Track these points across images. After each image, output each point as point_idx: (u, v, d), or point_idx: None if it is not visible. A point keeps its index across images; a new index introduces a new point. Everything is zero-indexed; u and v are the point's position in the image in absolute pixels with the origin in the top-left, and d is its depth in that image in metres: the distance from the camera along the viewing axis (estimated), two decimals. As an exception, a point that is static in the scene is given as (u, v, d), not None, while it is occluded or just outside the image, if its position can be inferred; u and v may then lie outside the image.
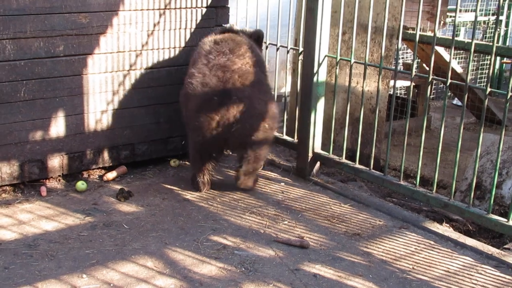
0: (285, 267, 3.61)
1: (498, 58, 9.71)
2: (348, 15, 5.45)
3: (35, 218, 4.10)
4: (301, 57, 5.11)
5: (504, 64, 10.30)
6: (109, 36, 4.69)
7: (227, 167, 5.20)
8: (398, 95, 8.67)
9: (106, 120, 4.83)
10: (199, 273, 3.50)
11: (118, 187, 4.61)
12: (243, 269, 3.56)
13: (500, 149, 3.97)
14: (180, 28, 5.04)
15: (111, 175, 4.81)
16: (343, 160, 4.96)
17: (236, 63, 4.44)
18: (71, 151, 4.71)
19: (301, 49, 5.19)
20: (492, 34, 9.40)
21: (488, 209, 4.07)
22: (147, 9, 4.82)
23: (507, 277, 3.64)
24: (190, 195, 4.59)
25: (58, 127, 4.60)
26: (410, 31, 6.82)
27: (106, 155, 4.89)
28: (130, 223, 4.09)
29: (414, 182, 4.52)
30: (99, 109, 4.77)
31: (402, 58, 9.44)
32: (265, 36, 5.36)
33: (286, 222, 4.21)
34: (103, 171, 4.90)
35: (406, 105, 4.53)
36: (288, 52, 5.43)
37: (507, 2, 9.91)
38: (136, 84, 4.91)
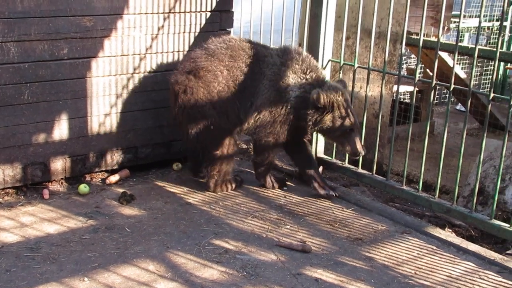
0: (287, 272, 3.60)
1: (502, 63, 9.71)
2: (352, 20, 5.45)
3: (37, 221, 4.11)
4: (304, 61, 5.10)
5: (507, 70, 10.29)
6: (113, 39, 4.70)
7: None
8: (402, 100, 8.66)
9: (109, 123, 4.83)
10: (200, 277, 3.50)
11: (121, 190, 4.61)
12: (245, 273, 3.56)
13: (503, 154, 3.98)
14: (184, 32, 5.05)
15: (114, 178, 4.81)
16: (346, 164, 4.96)
17: (202, 62, 4.50)
18: (74, 154, 4.72)
19: (304, 53, 5.19)
20: (496, 40, 9.40)
21: (491, 214, 4.06)
22: (152, 13, 4.84)
23: (510, 282, 3.63)
24: (192, 199, 4.59)
25: (61, 130, 4.61)
26: (414, 36, 6.82)
27: (109, 158, 4.89)
28: (132, 226, 4.09)
29: (417, 187, 4.52)
30: (103, 112, 4.78)
31: (406, 63, 9.44)
32: (269, 41, 5.37)
33: (288, 227, 4.21)
34: (105, 174, 4.91)
35: (409, 110, 4.53)
36: (291, 56, 5.43)
37: (511, 8, 9.91)
38: (139, 87, 4.92)
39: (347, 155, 4.93)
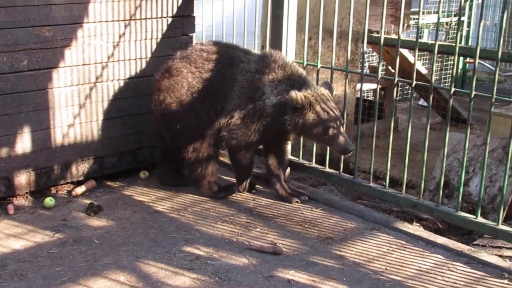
0: (259, 275, 3.60)
1: (461, 58, 9.87)
2: (313, 21, 5.48)
3: (2, 237, 4.02)
4: (267, 63, 5.10)
5: (467, 64, 10.48)
6: (74, 49, 4.64)
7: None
8: (365, 98, 8.73)
9: (73, 134, 4.77)
10: (172, 285, 3.47)
11: (88, 201, 4.55)
12: (217, 278, 3.55)
13: (466, 147, 4.04)
14: (146, 39, 5.01)
15: (80, 189, 4.75)
16: (313, 164, 4.98)
17: (176, 62, 4.59)
18: (38, 167, 4.64)
19: (267, 55, 5.20)
20: (454, 35, 9.56)
21: (457, 206, 4.12)
22: (112, 21, 4.79)
23: (478, 273, 3.69)
24: (161, 207, 4.55)
25: (24, 143, 4.53)
26: (375, 35, 6.87)
27: (74, 169, 4.83)
28: (101, 237, 4.04)
29: (384, 183, 4.56)
30: (66, 123, 4.72)
31: (368, 61, 9.53)
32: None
33: (258, 229, 4.21)
34: (71, 186, 4.84)
35: (373, 108, 4.58)
36: (254, 59, 5.43)
37: (468, 3, 10.10)
38: (103, 96, 4.86)
39: (314, 155, 4.95)
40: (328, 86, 4.49)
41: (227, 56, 4.56)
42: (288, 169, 5.07)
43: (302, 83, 4.39)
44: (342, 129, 4.33)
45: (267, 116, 4.40)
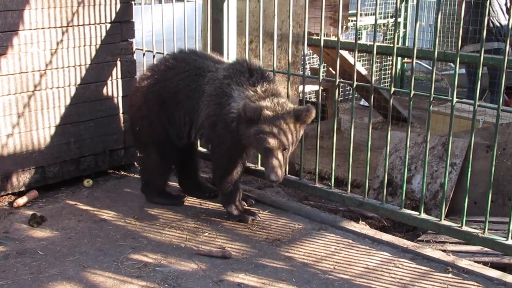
0: (209, 280, 3.59)
1: (399, 58, 10.13)
2: (253, 24, 5.51)
3: None
4: (210, 67, 5.10)
5: (405, 64, 10.77)
6: (10, 57, 4.51)
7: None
8: (308, 99, 8.84)
9: (12, 144, 4.64)
10: (121, 294, 3.42)
11: (30, 212, 4.43)
12: (166, 285, 3.51)
13: (408, 145, 4.13)
14: (85, 45, 4.92)
15: (22, 200, 4.62)
16: (259, 167, 5.00)
17: (146, 69, 4.75)
18: (-24, 179, 4.49)
19: (209, 59, 5.19)
20: (392, 36, 9.79)
21: (401, 204, 4.22)
22: (49, 28, 4.68)
23: (423, 268, 3.78)
24: (106, 215, 4.48)
25: (-40, 155, 4.38)
26: (315, 37, 6.98)
27: (14, 180, 4.69)
28: (45, 249, 3.94)
29: (329, 183, 4.62)
30: (4, 133, 4.58)
31: (309, 63, 9.65)
32: (172, 48, 5.33)
33: (206, 234, 4.19)
34: (12, 197, 4.70)
35: (316, 109, 4.63)
36: (196, 63, 5.40)
37: (403, 4, 10.38)
38: (42, 104, 4.75)
39: (259, 157, 4.96)
40: (304, 109, 3.99)
41: (194, 66, 4.40)
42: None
43: (272, 92, 4.08)
44: (280, 156, 3.89)
45: (232, 121, 4.07)
